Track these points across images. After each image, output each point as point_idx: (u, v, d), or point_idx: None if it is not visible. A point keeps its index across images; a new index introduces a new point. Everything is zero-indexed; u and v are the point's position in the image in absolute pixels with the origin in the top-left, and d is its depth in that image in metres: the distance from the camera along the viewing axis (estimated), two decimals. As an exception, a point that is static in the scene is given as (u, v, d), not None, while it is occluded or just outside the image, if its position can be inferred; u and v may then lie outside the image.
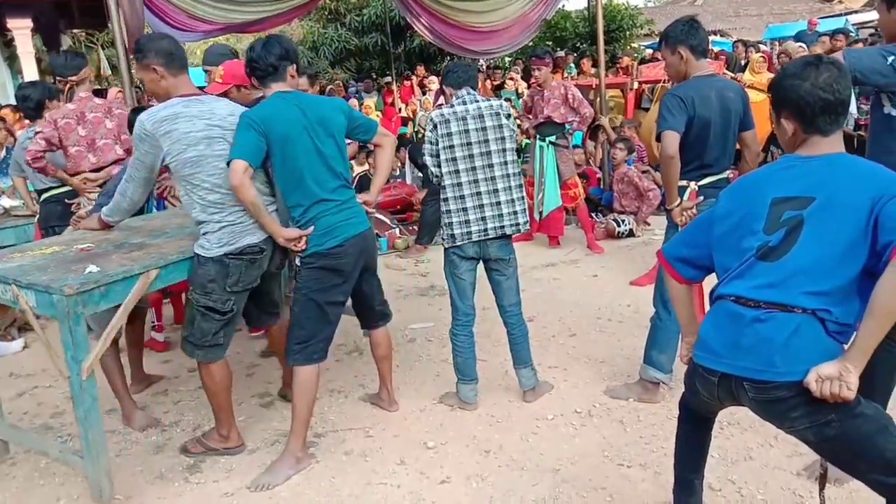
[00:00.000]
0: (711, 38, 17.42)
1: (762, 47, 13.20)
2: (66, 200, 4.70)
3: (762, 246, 1.87)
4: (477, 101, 3.37)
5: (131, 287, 2.81)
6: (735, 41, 13.81)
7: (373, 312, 3.39)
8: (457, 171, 3.31)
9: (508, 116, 3.41)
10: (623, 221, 6.71)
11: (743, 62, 10.84)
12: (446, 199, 3.34)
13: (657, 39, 6.14)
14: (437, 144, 3.31)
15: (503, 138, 3.36)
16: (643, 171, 7.10)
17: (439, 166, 3.33)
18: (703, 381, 2.00)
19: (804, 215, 1.83)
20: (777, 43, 14.64)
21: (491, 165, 3.34)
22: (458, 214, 3.32)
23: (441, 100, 7.84)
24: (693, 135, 3.15)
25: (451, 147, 3.30)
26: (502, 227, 3.36)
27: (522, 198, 3.43)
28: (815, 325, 1.79)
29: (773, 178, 1.95)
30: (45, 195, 4.89)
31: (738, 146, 3.39)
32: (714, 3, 27.28)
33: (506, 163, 3.37)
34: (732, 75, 9.24)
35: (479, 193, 3.32)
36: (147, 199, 3.72)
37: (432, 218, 6.42)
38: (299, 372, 3.02)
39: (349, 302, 3.26)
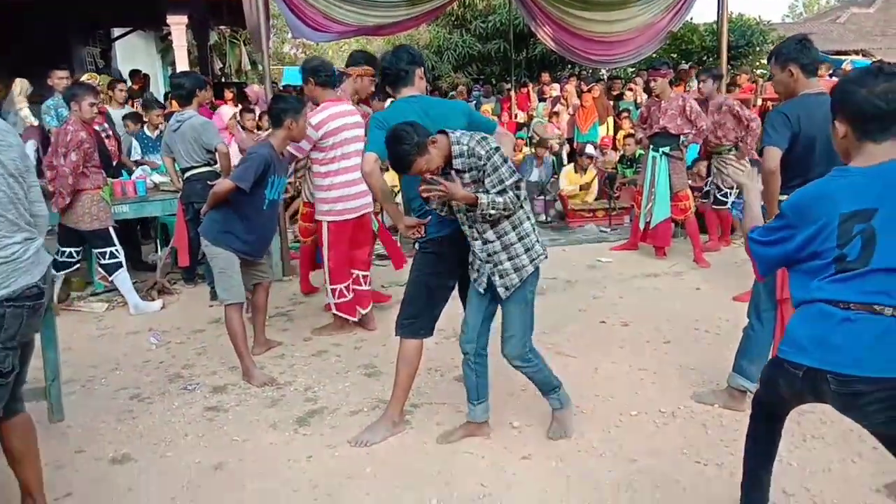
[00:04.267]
0: (853, 57, 16.67)
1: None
2: (207, 181, 5.24)
3: (840, 258, 1.97)
4: None
5: None
6: (875, 61, 13.14)
7: None
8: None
9: None
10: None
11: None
12: (522, 219, 3.00)
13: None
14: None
15: None
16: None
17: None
18: (787, 375, 2.10)
19: (874, 226, 1.92)
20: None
21: None
22: (536, 235, 3.06)
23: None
24: (798, 151, 3.20)
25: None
26: None
27: None
28: None
29: (837, 193, 2.01)
30: (188, 174, 5.47)
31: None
32: (859, 21, 25.74)
33: None
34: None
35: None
36: None
37: None
38: (405, 344, 3.29)
39: None
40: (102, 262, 5.33)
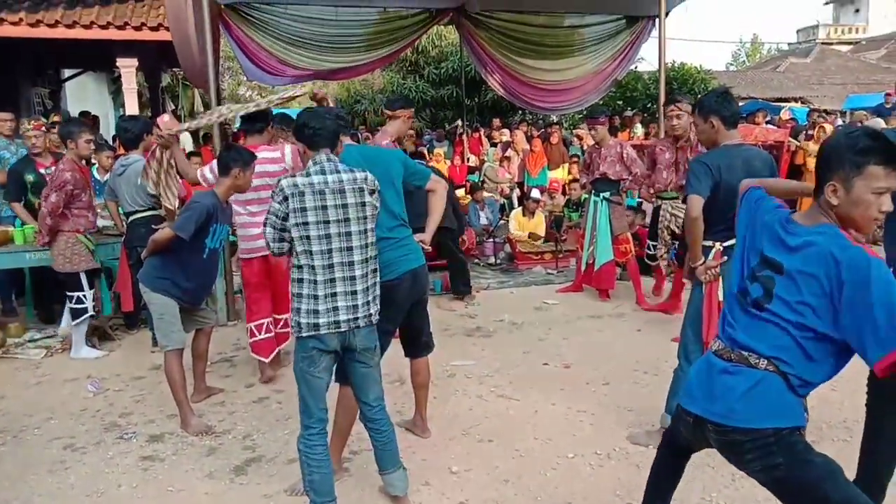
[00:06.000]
0: (791, 104, 17.44)
1: (838, 119, 13.13)
2: (151, 225, 5.21)
3: (745, 291, 2.09)
4: (338, 172, 2.88)
5: None
6: (811, 109, 13.80)
7: (418, 343, 3.66)
8: (310, 252, 2.80)
9: (373, 192, 2.94)
10: (653, 247, 6.44)
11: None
12: (301, 281, 2.83)
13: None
14: (287, 219, 2.80)
15: (365, 218, 2.90)
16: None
17: (282, 240, 2.85)
18: (683, 420, 2.23)
19: (776, 279, 2.01)
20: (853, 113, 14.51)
21: (350, 249, 2.85)
22: (308, 301, 2.82)
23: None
24: (719, 199, 3.36)
25: (306, 224, 2.79)
26: (356, 318, 2.87)
27: (376, 284, 2.99)
28: (776, 380, 1.98)
29: (772, 232, 2.07)
30: (132, 218, 5.43)
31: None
32: (797, 70, 27.02)
33: (366, 246, 2.90)
34: (798, 144, 9.28)
35: (332, 280, 2.82)
36: None
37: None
38: (344, 391, 3.28)
39: None
40: (70, 305, 5.28)
